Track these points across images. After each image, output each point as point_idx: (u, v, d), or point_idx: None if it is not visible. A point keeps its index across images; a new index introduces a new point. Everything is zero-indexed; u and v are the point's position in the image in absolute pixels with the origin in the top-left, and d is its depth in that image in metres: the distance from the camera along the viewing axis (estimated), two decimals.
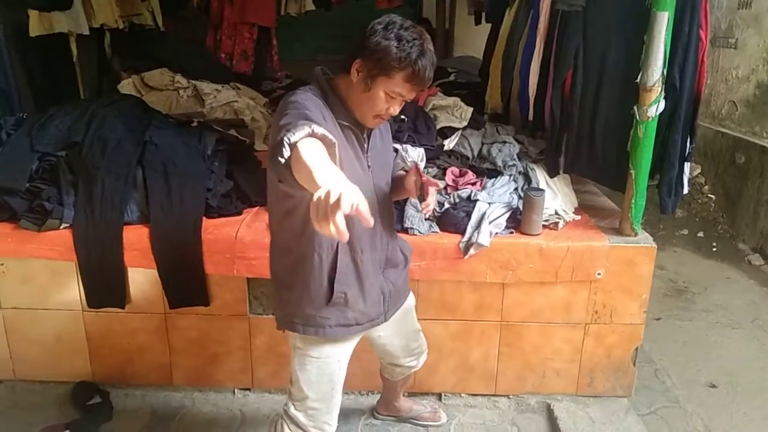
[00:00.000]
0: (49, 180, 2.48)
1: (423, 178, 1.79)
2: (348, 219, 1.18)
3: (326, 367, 1.83)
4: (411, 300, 2.08)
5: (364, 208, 1.13)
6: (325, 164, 1.26)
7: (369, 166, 1.75)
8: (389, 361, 2.18)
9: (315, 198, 1.14)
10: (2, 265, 2.50)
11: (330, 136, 1.36)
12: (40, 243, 2.43)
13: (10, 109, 3.06)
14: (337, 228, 1.10)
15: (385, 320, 1.89)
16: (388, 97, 1.62)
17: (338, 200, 1.10)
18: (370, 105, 1.63)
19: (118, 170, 2.48)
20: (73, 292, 2.53)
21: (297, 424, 1.85)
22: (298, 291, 1.75)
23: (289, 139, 1.31)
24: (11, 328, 2.60)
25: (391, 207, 1.92)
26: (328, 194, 1.12)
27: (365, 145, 1.74)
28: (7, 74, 3.12)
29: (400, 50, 1.55)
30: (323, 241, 1.68)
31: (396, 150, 2.05)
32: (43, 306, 2.56)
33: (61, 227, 2.43)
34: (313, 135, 1.34)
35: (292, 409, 1.86)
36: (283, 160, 1.31)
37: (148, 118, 2.76)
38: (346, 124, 1.67)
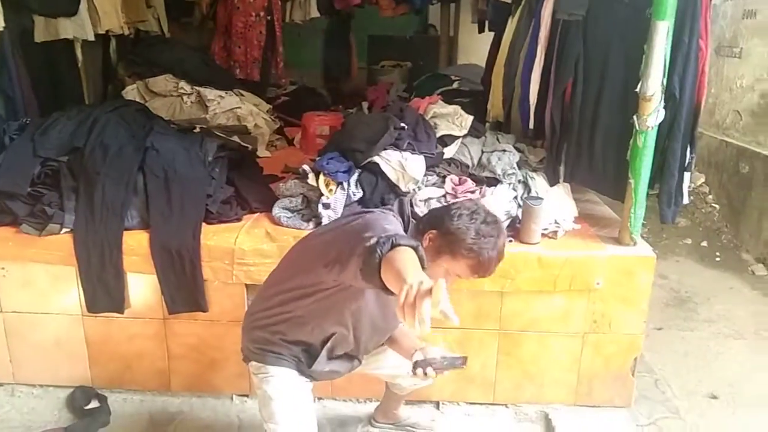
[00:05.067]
0: (51, 185, 2.50)
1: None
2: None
3: (288, 397, 1.84)
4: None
5: (447, 307, 1.14)
6: (416, 266, 1.32)
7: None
8: (394, 382, 2.21)
9: (406, 287, 1.17)
10: (3, 269, 2.52)
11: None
12: (41, 247, 2.44)
13: (15, 115, 3.08)
14: (421, 318, 1.11)
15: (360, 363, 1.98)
16: (447, 273, 1.68)
17: (428, 290, 1.13)
18: (427, 272, 1.66)
19: (118, 176, 2.49)
20: (73, 296, 2.55)
21: None
22: (275, 340, 1.82)
23: (395, 241, 1.38)
24: (11, 332, 2.62)
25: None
26: (419, 285, 1.16)
27: None
28: (13, 80, 3.13)
29: (475, 242, 1.63)
30: (322, 330, 1.77)
31: None
32: (43, 310, 2.58)
33: (62, 232, 2.45)
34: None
35: None
36: (373, 269, 1.36)
37: (149, 124, 2.78)
38: None
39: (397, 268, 1.30)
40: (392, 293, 1.36)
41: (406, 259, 1.33)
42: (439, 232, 1.68)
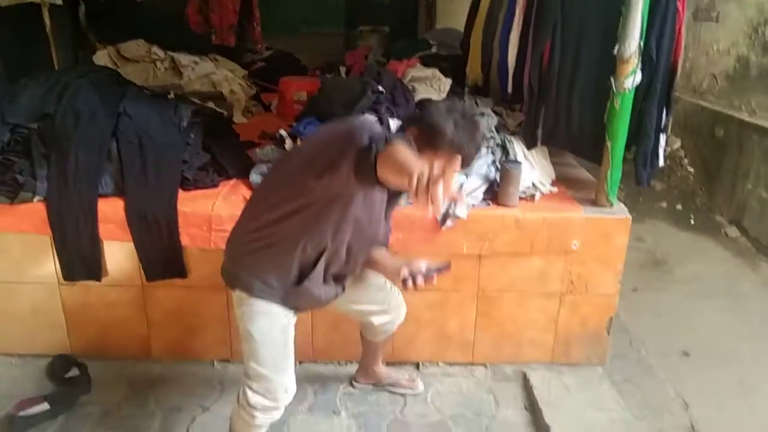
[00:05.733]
0: (21, 152, 2.44)
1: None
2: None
3: (270, 337, 1.87)
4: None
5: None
6: (417, 156, 1.43)
7: (386, 214, 1.92)
8: (364, 318, 2.23)
9: (417, 172, 1.28)
10: None
11: None
12: (14, 216, 2.40)
13: None
14: (435, 198, 1.24)
15: (343, 292, 2.01)
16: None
17: (440, 175, 1.26)
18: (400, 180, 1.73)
19: (91, 142, 2.44)
20: (49, 265, 2.52)
21: (254, 406, 1.88)
22: (269, 267, 1.82)
23: (388, 137, 1.49)
24: None
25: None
26: (431, 170, 1.28)
27: (389, 196, 1.88)
28: None
29: (455, 135, 1.67)
30: (314, 240, 1.77)
31: None
32: (19, 279, 2.55)
33: (35, 200, 2.40)
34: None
35: (249, 391, 1.88)
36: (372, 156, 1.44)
37: (122, 90, 2.72)
38: None
39: (399, 160, 1.38)
40: (386, 189, 1.59)
41: (405, 151, 1.41)
42: (420, 129, 1.71)
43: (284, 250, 1.79)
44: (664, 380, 2.77)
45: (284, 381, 1.90)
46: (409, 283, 1.80)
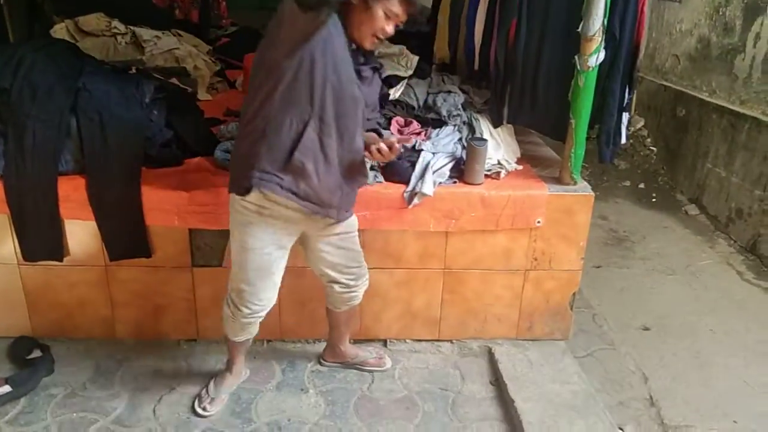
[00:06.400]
0: None
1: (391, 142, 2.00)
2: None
3: (254, 254, 2.02)
4: (354, 222, 2.24)
5: None
6: None
7: (362, 80, 2.00)
8: (329, 278, 2.27)
9: None
10: None
11: None
12: None
13: None
14: None
15: (338, 219, 2.07)
16: (386, 17, 1.86)
17: None
18: (369, 24, 1.87)
19: (50, 118, 2.37)
20: (8, 245, 2.46)
21: (229, 303, 2.15)
22: (262, 151, 1.88)
23: None
24: None
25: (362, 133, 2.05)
26: None
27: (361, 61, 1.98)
28: None
29: None
30: (297, 118, 1.85)
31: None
32: None
33: None
34: None
35: (229, 290, 2.14)
36: None
37: (81, 64, 2.63)
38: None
39: None
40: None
41: None
42: None
43: (273, 131, 1.86)
44: (624, 354, 2.85)
45: (253, 299, 2.10)
46: (384, 147, 1.97)
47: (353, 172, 2.04)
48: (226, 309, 2.17)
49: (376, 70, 2.15)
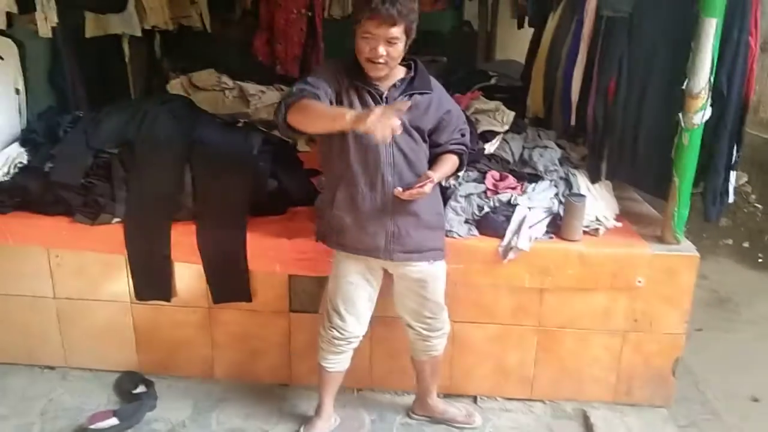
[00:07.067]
0: (103, 176, 2.57)
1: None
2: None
3: (340, 282, 2.22)
4: (436, 273, 2.25)
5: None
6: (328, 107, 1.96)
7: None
8: (406, 322, 2.34)
9: (348, 117, 1.76)
10: (57, 257, 2.62)
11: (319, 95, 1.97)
12: (93, 237, 2.53)
13: (66, 107, 3.19)
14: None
15: (391, 259, 2.16)
16: (364, 39, 1.96)
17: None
18: (359, 52, 2.01)
19: (167, 168, 2.57)
20: (123, 284, 2.63)
21: (324, 323, 2.31)
22: (325, 214, 2.23)
23: (286, 102, 1.95)
24: (64, 318, 2.72)
25: (407, 165, 2.12)
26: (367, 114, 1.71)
27: (381, 102, 2.05)
28: (65, 74, 3.26)
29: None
30: (335, 179, 2.14)
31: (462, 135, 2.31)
32: (94, 297, 2.67)
33: (113, 222, 2.53)
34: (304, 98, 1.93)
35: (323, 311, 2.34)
36: (280, 118, 1.96)
37: (196, 117, 2.85)
38: (361, 84, 2.06)
39: (315, 115, 1.90)
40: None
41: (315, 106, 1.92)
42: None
43: (327, 191, 2.21)
44: (731, 426, 2.66)
45: (340, 324, 2.25)
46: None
47: (402, 212, 2.12)
48: (321, 330, 2.32)
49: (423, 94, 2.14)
